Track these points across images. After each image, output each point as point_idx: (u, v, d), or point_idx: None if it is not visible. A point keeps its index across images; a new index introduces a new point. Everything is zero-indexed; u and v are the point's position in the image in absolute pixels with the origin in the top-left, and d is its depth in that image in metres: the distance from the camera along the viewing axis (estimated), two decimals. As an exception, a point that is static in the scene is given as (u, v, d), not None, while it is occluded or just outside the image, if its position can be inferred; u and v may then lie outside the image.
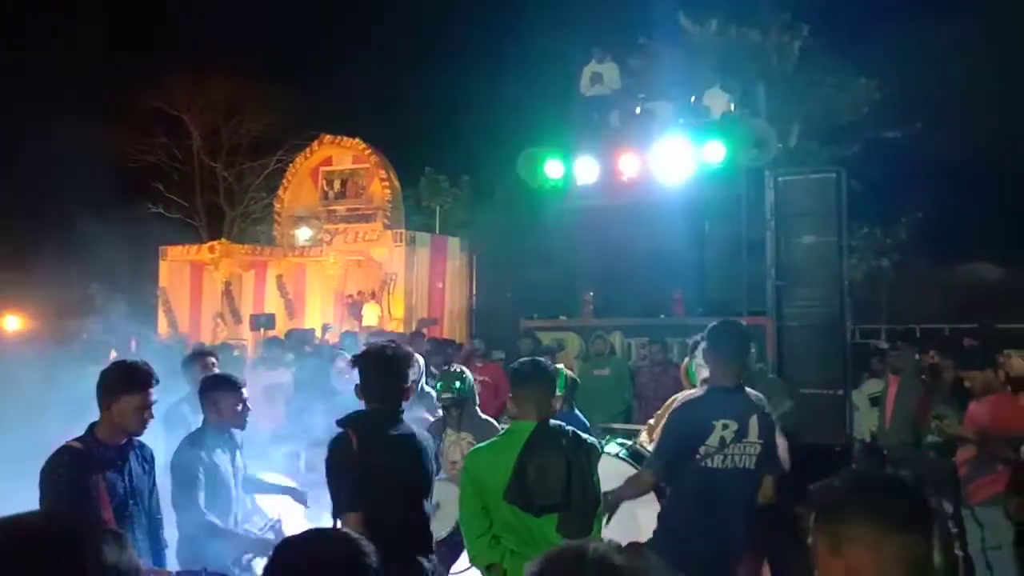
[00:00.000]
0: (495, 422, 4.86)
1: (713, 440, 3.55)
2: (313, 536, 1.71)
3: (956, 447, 5.45)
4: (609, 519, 3.68)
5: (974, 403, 5.36)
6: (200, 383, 4.01)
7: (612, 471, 4.12)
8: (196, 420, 3.98)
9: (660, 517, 3.78)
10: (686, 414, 3.69)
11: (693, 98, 10.95)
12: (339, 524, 2.97)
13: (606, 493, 3.75)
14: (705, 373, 4.33)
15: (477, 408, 4.83)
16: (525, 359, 3.61)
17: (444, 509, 4.11)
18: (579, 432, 3.36)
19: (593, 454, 3.32)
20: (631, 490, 3.81)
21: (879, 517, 1.66)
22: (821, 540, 1.71)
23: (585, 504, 3.20)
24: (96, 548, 1.26)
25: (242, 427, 3.97)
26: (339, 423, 3.20)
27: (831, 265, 8.69)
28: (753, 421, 3.60)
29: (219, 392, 3.89)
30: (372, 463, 3.05)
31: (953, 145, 18.11)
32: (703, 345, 4.15)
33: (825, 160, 15.67)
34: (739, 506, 3.58)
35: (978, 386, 5.36)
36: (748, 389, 3.79)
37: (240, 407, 3.90)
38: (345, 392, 5.39)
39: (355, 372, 4.36)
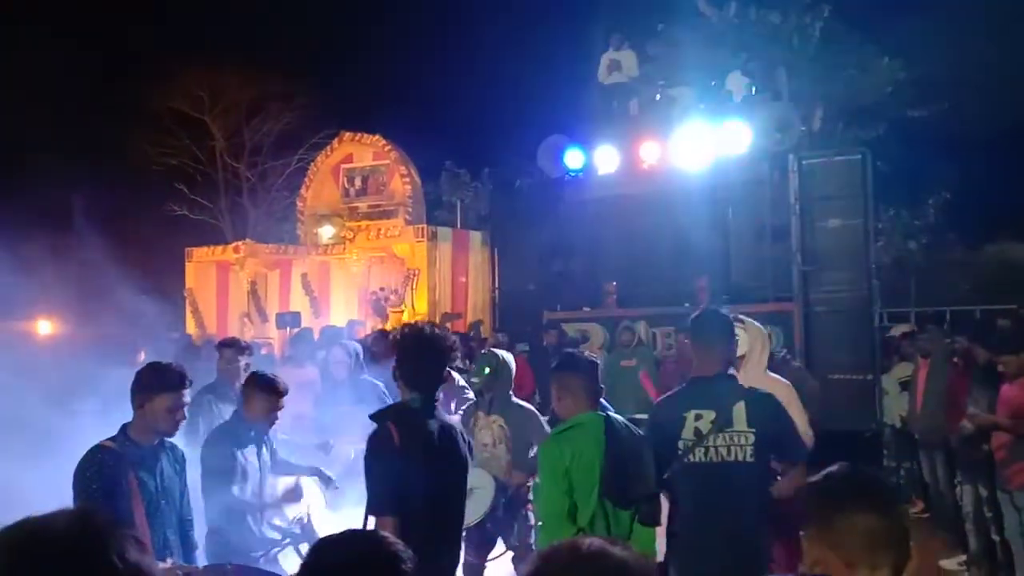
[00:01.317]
0: (529, 406, 4.84)
1: (687, 432, 3.34)
2: (351, 538, 1.67)
3: (991, 432, 5.37)
4: None
5: (1007, 385, 5.27)
6: (247, 377, 4.12)
7: None
8: (220, 409, 4.05)
9: (667, 528, 3.57)
10: (659, 410, 3.57)
11: (714, 83, 10.85)
12: (373, 523, 2.91)
13: None
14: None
15: (511, 392, 4.78)
16: (569, 351, 3.67)
17: (476, 494, 4.06)
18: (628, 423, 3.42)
19: (648, 443, 3.37)
20: None
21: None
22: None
23: (657, 493, 3.26)
24: (117, 551, 1.26)
25: (271, 424, 4.06)
26: (377, 416, 3.07)
27: (858, 249, 8.58)
28: (739, 408, 3.32)
29: (262, 392, 4.00)
30: (413, 459, 2.95)
31: (979, 124, 17.78)
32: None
33: (849, 142, 15.48)
34: (737, 502, 3.28)
35: (1012, 368, 5.27)
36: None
37: (270, 406, 3.99)
38: (345, 383, 5.42)
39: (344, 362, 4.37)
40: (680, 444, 3.35)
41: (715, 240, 10.15)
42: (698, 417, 3.34)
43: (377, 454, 2.98)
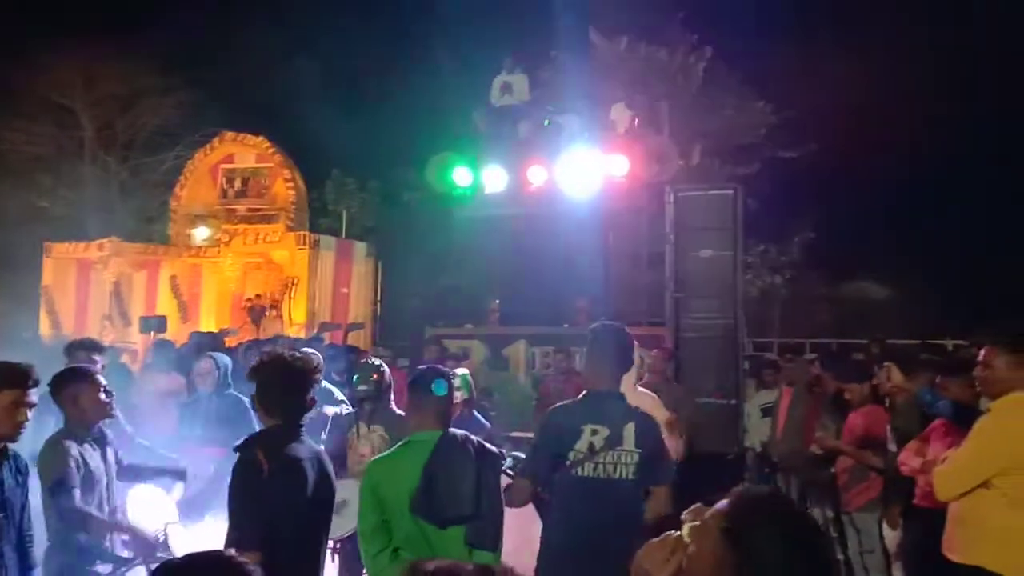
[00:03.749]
0: None
1: (582, 445, 3.39)
2: (201, 560, 1.57)
3: (836, 456, 5.73)
4: None
5: (853, 413, 5.65)
6: (50, 382, 3.59)
7: None
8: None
9: (541, 534, 3.62)
10: (555, 418, 3.56)
11: (599, 113, 11.18)
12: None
13: None
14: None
15: (392, 403, 4.68)
16: (423, 367, 3.53)
17: (350, 507, 3.97)
18: (483, 442, 3.30)
19: (498, 463, 3.28)
20: (511, 500, 3.61)
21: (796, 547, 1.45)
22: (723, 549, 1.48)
23: (493, 515, 3.14)
24: None
25: (109, 416, 3.70)
26: (243, 446, 2.95)
27: (727, 279, 8.98)
28: (629, 428, 3.42)
29: (75, 385, 3.58)
30: (281, 489, 2.87)
31: (844, 168, 19.11)
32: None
33: (724, 178, 16.26)
34: (616, 519, 3.34)
35: (856, 397, 5.65)
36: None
37: (101, 395, 3.61)
38: (212, 397, 5.17)
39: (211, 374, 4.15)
40: (571, 455, 3.39)
41: (596, 263, 10.41)
42: (594, 432, 3.39)
43: (244, 484, 2.86)
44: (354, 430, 4.64)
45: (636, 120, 10.76)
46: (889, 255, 20.30)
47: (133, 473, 3.89)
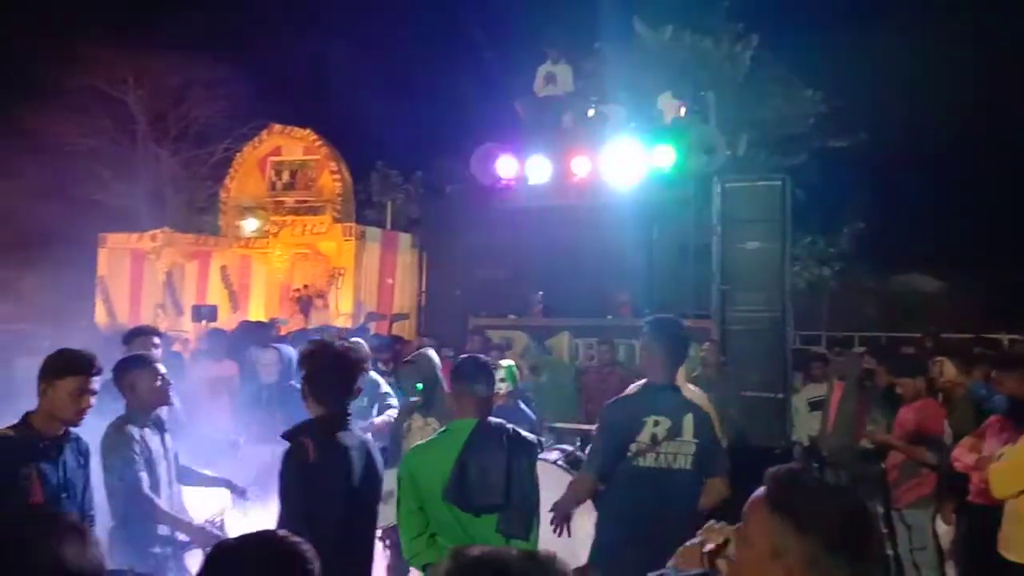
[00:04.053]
0: None
1: (644, 436, 3.46)
2: (253, 540, 1.60)
3: (887, 451, 5.63)
4: (562, 531, 3.64)
5: (904, 408, 5.55)
6: (113, 369, 3.75)
7: (552, 479, 4.07)
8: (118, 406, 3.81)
9: (596, 526, 3.66)
10: (617, 410, 3.61)
11: (645, 103, 11.08)
12: None
13: (556, 504, 3.72)
14: None
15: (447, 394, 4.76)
16: (466, 356, 3.57)
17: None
18: (520, 430, 3.32)
19: (534, 452, 3.28)
20: (573, 496, 3.70)
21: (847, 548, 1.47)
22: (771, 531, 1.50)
23: (525, 504, 3.16)
24: (55, 549, 1.19)
25: (166, 403, 3.82)
26: (290, 434, 3.04)
27: (774, 271, 8.87)
28: (688, 419, 3.50)
29: (133, 372, 3.72)
30: (327, 475, 2.95)
31: (894, 157, 18.69)
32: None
33: (771, 169, 16.01)
34: (675, 509, 3.40)
35: (909, 392, 5.54)
36: (692, 388, 3.80)
37: (158, 382, 3.73)
38: (273, 387, 5.30)
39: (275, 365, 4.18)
40: (633, 447, 3.45)
41: (639, 255, 10.36)
42: (656, 423, 3.47)
43: (291, 471, 2.95)
44: (409, 421, 4.70)
45: (682, 110, 10.65)
46: (941, 247, 19.82)
47: (186, 476, 3.98)
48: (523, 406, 5.56)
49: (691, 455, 3.48)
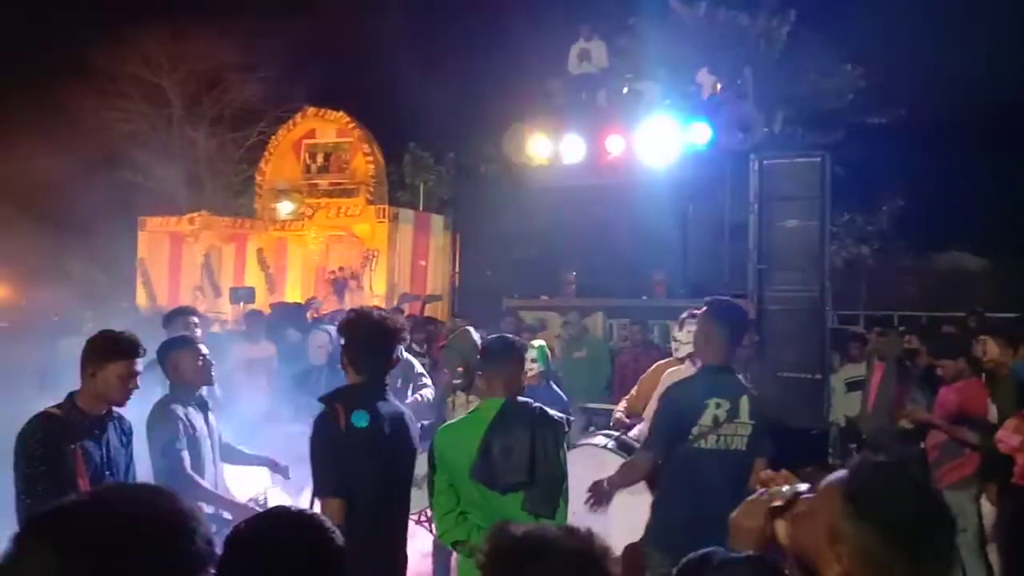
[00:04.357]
0: None
1: (707, 419, 3.50)
2: (275, 518, 1.60)
3: (926, 432, 5.54)
4: (597, 508, 3.67)
5: (944, 388, 5.44)
6: (157, 350, 3.85)
7: (600, 462, 4.07)
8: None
9: (654, 506, 3.69)
10: (679, 392, 3.64)
11: (681, 79, 10.93)
12: (318, 506, 2.90)
13: (599, 481, 3.75)
14: (687, 349, 4.33)
15: None
16: (495, 336, 3.58)
17: None
18: (547, 409, 3.32)
19: (560, 431, 3.27)
20: (627, 476, 3.74)
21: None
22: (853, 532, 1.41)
23: (550, 481, 3.17)
24: (194, 535, 1.22)
25: (209, 382, 3.90)
26: (324, 399, 3.09)
27: (813, 250, 8.71)
28: (744, 401, 3.56)
29: (176, 352, 3.81)
30: (359, 443, 2.97)
31: (935, 134, 18.24)
32: (687, 320, 4.17)
33: (809, 145, 15.72)
34: (732, 489, 3.39)
35: (949, 373, 5.43)
36: None
37: (200, 362, 3.81)
38: (323, 369, 5.37)
39: (325, 347, 4.21)
40: (695, 430, 3.50)
41: (674, 234, 10.26)
42: (718, 405, 3.51)
43: (322, 436, 2.99)
44: (451, 399, 4.72)
45: (718, 86, 10.49)
46: (983, 224, 19.34)
47: (228, 453, 4.05)
48: (554, 386, 5.56)
49: (747, 436, 3.54)
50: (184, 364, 3.78)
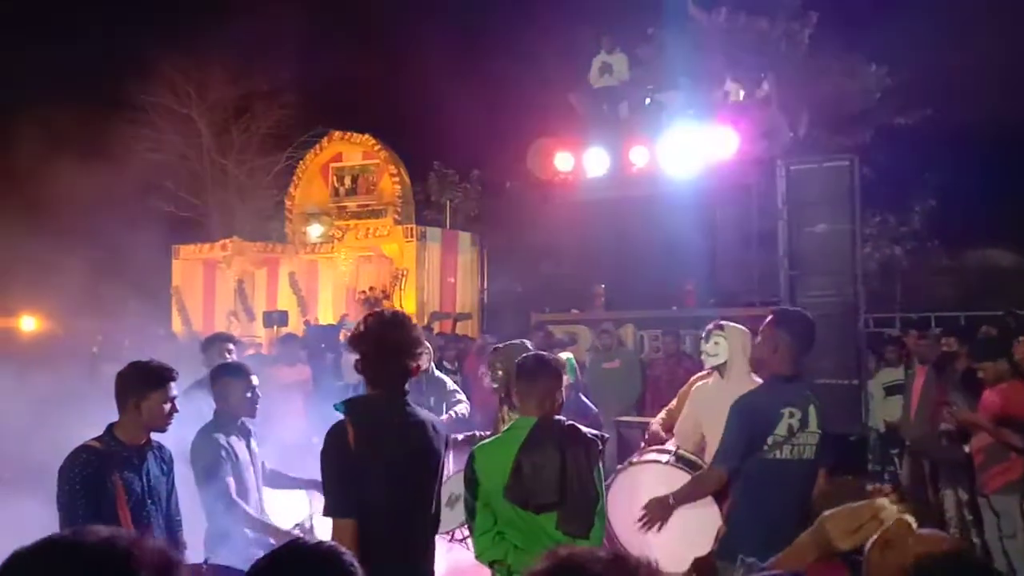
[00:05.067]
0: None
1: (781, 429, 3.45)
2: (290, 552, 1.58)
3: (970, 435, 5.43)
4: (651, 528, 3.68)
5: (988, 391, 5.34)
6: (210, 373, 3.95)
7: (664, 479, 4.00)
8: (209, 403, 3.95)
9: (729, 519, 3.63)
10: (752, 404, 3.58)
11: (705, 86, 10.91)
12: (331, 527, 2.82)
13: (664, 497, 3.73)
14: (715, 360, 4.28)
15: None
16: (528, 354, 3.52)
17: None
18: (579, 426, 3.26)
19: (593, 449, 3.20)
20: (695, 491, 3.72)
21: None
22: None
23: (582, 501, 3.11)
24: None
25: (252, 415, 3.91)
26: (337, 409, 2.94)
27: (844, 254, 8.62)
28: (812, 410, 3.53)
29: (229, 378, 3.87)
30: (371, 458, 2.84)
31: (965, 131, 17.95)
32: (713, 331, 4.15)
33: (835, 148, 15.55)
34: (803, 498, 3.46)
35: (991, 375, 5.33)
36: None
37: (249, 394, 3.86)
38: (360, 387, 5.40)
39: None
40: (769, 440, 3.45)
41: (702, 244, 10.20)
42: (791, 415, 3.48)
43: (330, 453, 2.88)
44: (500, 413, 4.72)
45: (741, 93, 10.46)
46: (1016, 221, 18.96)
47: (273, 478, 4.08)
48: (583, 398, 5.51)
49: (815, 445, 3.51)
50: (235, 393, 3.84)
